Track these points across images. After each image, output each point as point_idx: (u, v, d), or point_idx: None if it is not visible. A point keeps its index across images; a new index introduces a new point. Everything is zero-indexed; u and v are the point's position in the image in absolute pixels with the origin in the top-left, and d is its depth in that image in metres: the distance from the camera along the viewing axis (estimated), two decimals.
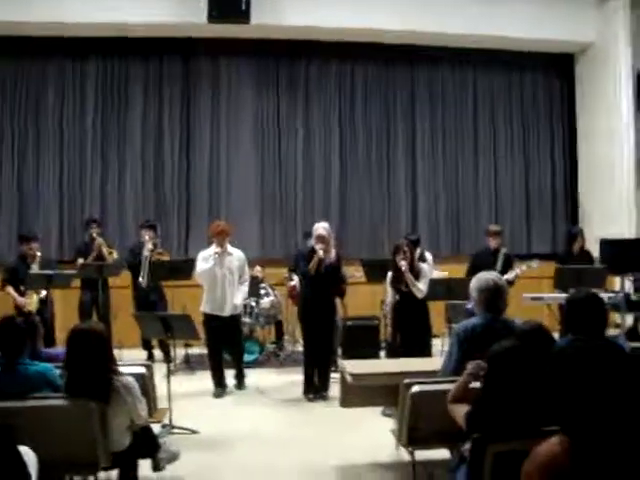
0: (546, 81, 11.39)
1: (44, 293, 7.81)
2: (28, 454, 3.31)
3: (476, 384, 3.57)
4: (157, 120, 10.42)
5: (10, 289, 7.86)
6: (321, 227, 6.96)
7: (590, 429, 1.93)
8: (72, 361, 3.92)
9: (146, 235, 8.41)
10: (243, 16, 9.15)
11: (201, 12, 9.11)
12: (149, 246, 8.32)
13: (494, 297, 4.23)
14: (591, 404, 1.94)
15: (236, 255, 7.31)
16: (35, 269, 7.88)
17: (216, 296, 7.15)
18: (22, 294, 7.80)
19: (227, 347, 7.39)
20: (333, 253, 6.95)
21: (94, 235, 8.52)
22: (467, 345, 4.06)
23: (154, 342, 8.38)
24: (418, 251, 7.58)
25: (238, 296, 7.25)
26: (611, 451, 1.93)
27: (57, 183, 10.16)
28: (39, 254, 8.08)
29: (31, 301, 7.79)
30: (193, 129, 10.51)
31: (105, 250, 8.44)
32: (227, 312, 7.19)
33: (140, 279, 8.21)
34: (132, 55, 10.33)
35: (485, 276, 4.40)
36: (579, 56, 11.06)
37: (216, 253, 7.12)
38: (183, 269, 8.04)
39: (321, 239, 6.82)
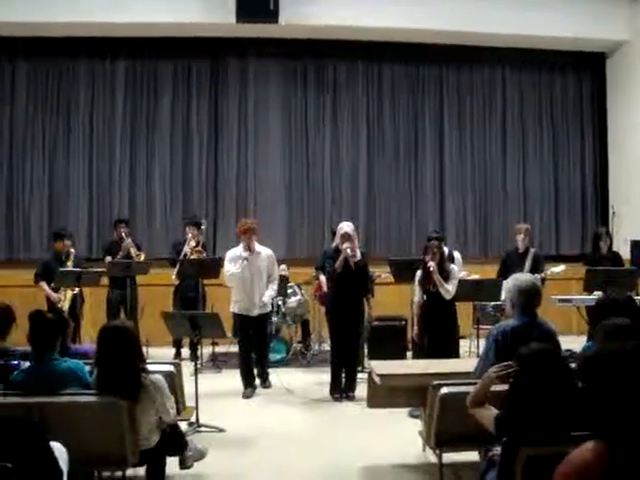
0: (577, 80, 11.27)
1: (77, 290, 7.89)
2: (59, 449, 3.35)
3: (502, 387, 3.53)
4: (185, 120, 10.49)
5: (44, 284, 7.95)
6: (346, 225, 6.93)
7: (632, 436, 1.89)
8: (102, 358, 3.95)
9: (189, 232, 8.50)
10: (272, 16, 9.17)
11: (230, 12, 9.14)
12: (192, 243, 8.40)
13: (532, 299, 4.20)
14: (633, 410, 1.89)
15: (264, 254, 7.20)
16: (69, 266, 7.97)
17: (244, 297, 7.11)
18: (54, 290, 7.90)
19: (254, 345, 7.37)
20: (358, 253, 6.91)
21: (123, 235, 8.61)
22: (504, 347, 4.01)
23: (185, 340, 8.40)
24: (446, 250, 7.53)
25: (266, 294, 7.18)
26: None
27: (87, 181, 10.30)
28: (73, 251, 8.18)
29: (65, 297, 7.88)
30: (221, 129, 10.57)
31: (133, 252, 8.53)
32: (256, 312, 7.14)
33: (173, 276, 8.28)
34: (161, 55, 10.41)
35: (524, 277, 4.38)
36: (610, 55, 10.91)
37: (245, 259, 7.00)
38: (211, 268, 8.06)
39: (347, 237, 6.79)
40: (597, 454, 1.94)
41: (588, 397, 2.01)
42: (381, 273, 8.40)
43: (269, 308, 7.46)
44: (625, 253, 8.76)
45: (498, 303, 7.47)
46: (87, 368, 4.13)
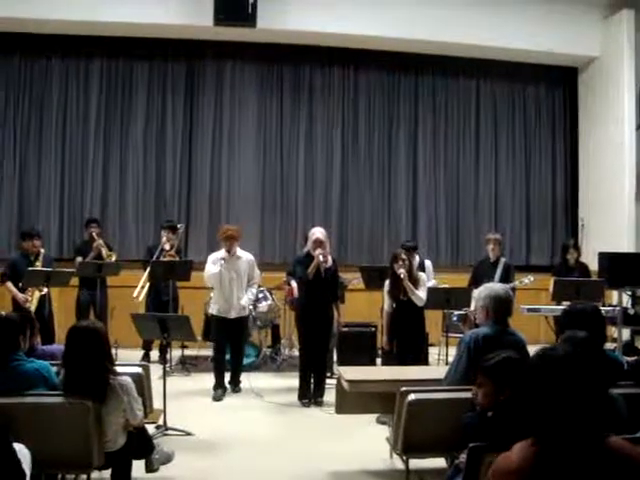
0: (549, 93, 11.43)
1: (45, 290, 7.78)
2: (22, 451, 3.31)
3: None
4: (160, 122, 10.41)
5: (10, 285, 7.82)
6: (318, 231, 6.97)
7: (557, 435, 1.93)
8: (70, 358, 3.91)
9: (164, 236, 8.48)
10: (249, 20, 9.19)
11: (208, 15, 9.14)
12: (166, 247, 8.37)
13: (505, 308, 4.26)
14: (559, 410, 1.94)
15: (245, 258, 7.40)
16: (38, 266, 7.86)
17: (223, 299, 7.27)
18: (21, 291, 7.78)
19: (230, 348, 7.42)
20: (330, 259, 6.94)
21: (94, 235, 8.52)
22: (476, 355, 4.05)
23: (155, 343, 8.33)
24: (417, 258, 7.59)
25: (244, 297, 7.32)
26: (577, 458, 1.92)
27: (58, 182, 10.16)
28: (42, 251, 8.08)
29: (32, 298, 7.76)
30: (196, 132, 10.51)
31: (104, 252, 8.45)
32: (233, 315, 7.27)
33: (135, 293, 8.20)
34: (137, 56, 10.34)
35: (498, 286, 4.44)
36: (583, 69, 11.09)
37: (223, 259, 7.20)
38: (181, 270, 8.03)
39: (319, 243, 6.81)
40: (524, 454, 1.97)
41: (520, 400, 2.05)
42: (353, 279, 8.42)
43: (247, 312, 7.54)
44: (595, 264, 8.85)
45: (462, 312, 7.56)
46: (54, 369, 4.09)
